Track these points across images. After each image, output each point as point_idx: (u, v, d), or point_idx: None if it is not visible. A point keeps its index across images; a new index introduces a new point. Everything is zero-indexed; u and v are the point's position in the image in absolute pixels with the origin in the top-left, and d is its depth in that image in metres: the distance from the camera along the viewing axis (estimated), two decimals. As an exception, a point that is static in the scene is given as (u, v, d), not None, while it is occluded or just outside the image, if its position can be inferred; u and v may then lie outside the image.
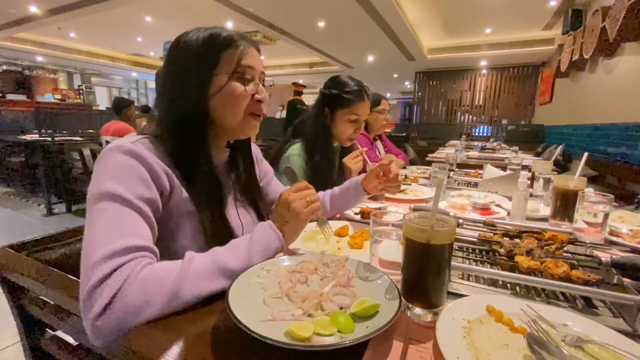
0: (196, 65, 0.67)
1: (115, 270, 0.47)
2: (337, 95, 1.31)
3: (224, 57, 0.67)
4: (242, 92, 0.69)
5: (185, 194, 0.66)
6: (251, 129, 0.74)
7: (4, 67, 9.25)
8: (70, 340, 0.69)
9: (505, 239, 0.75)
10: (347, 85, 1.32)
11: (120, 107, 3.68)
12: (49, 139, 3.87)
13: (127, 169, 0.58)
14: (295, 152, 1.28)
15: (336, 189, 1.01)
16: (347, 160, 1.31)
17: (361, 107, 1.33)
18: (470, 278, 0.64)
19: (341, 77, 1.35)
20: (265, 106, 0.75)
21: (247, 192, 0.84)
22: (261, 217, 0.85)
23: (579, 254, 0.71)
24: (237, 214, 0.79)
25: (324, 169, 1.28)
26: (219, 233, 0.66)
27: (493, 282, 0.62)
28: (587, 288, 0.54)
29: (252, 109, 0.72)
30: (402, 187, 1.45)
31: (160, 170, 0.62)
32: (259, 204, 0.86)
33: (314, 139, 1.30)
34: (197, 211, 0.67)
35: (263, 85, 0.74)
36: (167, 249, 0.57)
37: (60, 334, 0.70)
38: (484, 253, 0.73)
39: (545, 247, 0.69)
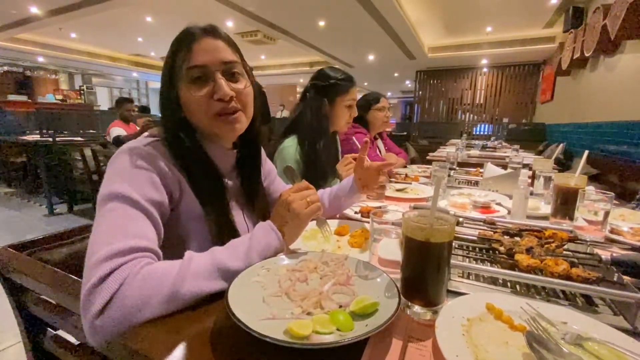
0: (163, 78, 0.68)
1: (115, 270, 0.47)
2: (335, 83, 1.36)
3: (176, 65, 0.65)
4: (193, 98, 0.65)
5: (193, 197, 0.66)
6: (223, 131, 0.70)
7: (5, 68, 9.27)
8: (71, 339, 0.69)
9: (505, 237, 0.74)
10: (338, 72, 1.39)
11: (117, 105, 3.89)
12: (51, 139, 3.88)
13: (137, 171, 0.59)
14: (288, 144, 1.31)
15: (334, 188, 1.01)
16: (339, 167, 1.34)
17: (355, 91, 1.42)
18: (470, 276, 0.64)
19: (328, 69, 1.42)
20: (245, 99, 0.70)
21: (254, 196, 0.82)
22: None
23: (579, 252, 0.71)
24: (243, 218, 0.79)
25: (329, 158, 1.34)
26: (225, 237, 0.65)
27: (493, 281, 0.62)
28: (587, 286, 0.54)
29: (215, 110, 0.67)
30: (402, 186, 1.46)
31: (171, 174, 0.63)
32: (266, 207, 0.86)
33: (317, 131, 1.33)
34: (204, 215, 0.67)
35: (232, 75, 0.68)
36: (178, 252, 0.57)
37: (61, 333, 0.70)
38: (484, 251, 0.73)
39: (545, 246, 0.69)
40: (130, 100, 3.93)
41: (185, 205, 0.66)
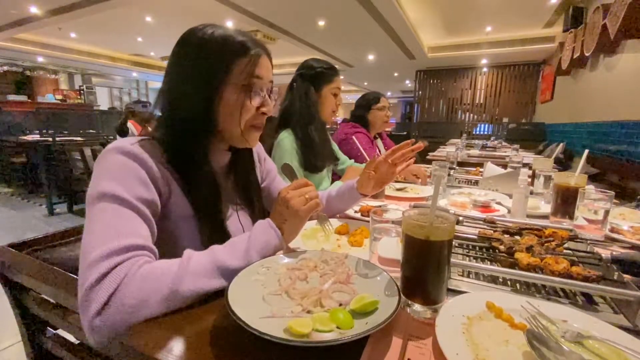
0: (206, 70, 0.65)
1: (112, 269, 0.47)
2: (321, 72, 1.41)
3: (235, 66, 0.65)
4: (248, 106, 0.68)
5: (183, 197, 0.65)
6: (251, 141, 0.74)
7: (5, 68, 9.25)
8: (71, 338, 0.69)
9: (506, 236, 0.74)
10: (322, 63, 1.44)
11: (135, 104, 3.94)
12: (50, 139, 3.89)
13: (125, 170, 0.58)
14: (284, 137, 1.33)
15: (332, 191, 1.00)
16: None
17: (339, 80, 1.49)
18: (470, 275, 0.64)
19: (312, 60, 1.45)
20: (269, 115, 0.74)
21: (248, 196, 0.82)
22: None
23: (579, 251, 0.71)
24: (237, 218, 0.78)
25: (324, 143, 1.40)
26: (216, 238, 0.64)
27: (493, 279, 0.62)
28: (587, 284, 0.54)
29: (254, 121, 0.70)
30: (402, 185, 1.45)
31: (159, 173, 0.62)
32: (261, 207, 0.86)
33: (309, 116, 1.37)
34: (195, 215, 0.67)
35: (270, 95, 0.73)
36: (168, 251, 0.57)
37: (61, 332, 0.70)
38: (484, 250, 0.73)
39: (546, 244, 0.69)
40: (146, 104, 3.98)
41: (173, 204, 0.65)
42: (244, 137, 0.71)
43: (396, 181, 1.57)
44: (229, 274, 0.53)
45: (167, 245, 0.64)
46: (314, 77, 1.41)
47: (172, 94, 0.68)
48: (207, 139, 0.70)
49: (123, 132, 3.67)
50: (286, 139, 1.33)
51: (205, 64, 0.65)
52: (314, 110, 1.41)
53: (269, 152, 1.35)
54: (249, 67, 0.66)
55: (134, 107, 3.79)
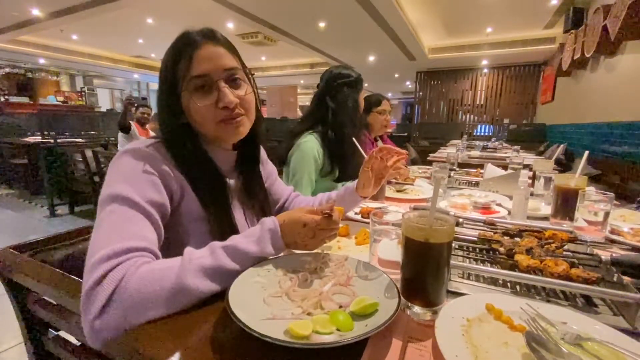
0: (163, 85, 0.68)
1: (110, 271, 0.47)
2: (359, 79, 1.43)
3: (178, 75, 0.65)
4: (200, 108, 0.65)
5: (195, 198, 0.66)
6: (228, 135, 0.70)
7: (7, 70, 9.29)
8: (72, 340, 0.69)
9: (506, 237, 0.75)
10: (353, 70, 1.45)
11: (136, 108, 3.81)
12: (52, 140, 3.90)
13: (139, 173, 0.59)
14: (307, 140, 1.32)
15: (333, 194, 1.01)
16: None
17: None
18: (470, 277, 0.64)
19: (342, 68, 1.43)
20: (247, 105, 0.70)
21: (254, 195, 0.83)
22: None
23: (579, 253, 0.71)
24: (244, 217, 0.79)
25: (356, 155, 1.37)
26: (226, 236, 0.62)
27: (493, 281, 0.62)
28: (586, 286, 0.54)
29: (218, 118, 0.67)
30: (403, 186, 1.46)
31: (172, 175, 0.63)
32: (266, 207, 0.86)
33: (351, 125, 1.38)
34: (205, 216, 0.67)
35: (234, 81, 0.68)
36: (176, 253, 0.56)
37: (63, 334, 0.71)
38: (484, 252, 0.73)
39: (545, 246, 0.69)
40: (145, 105, 3.90)
41: (186, 206, 0.66)
42: (218, 134, 0.69)
43: (396, 182, 1.57)
44: (230, 275, 0.53)
45: (176, 248, 0.64)
46: (352, 84, 1.41)
47: (158, 100, 0.70)
48: (195, 139, 0.70)
49: (125, 127, 3.63)
50: (309, 143, 1.32)
51: (164, 71, 0.67)
52: (356, 118, 1.41)
53: (287, 151, 1.36)
54: (184, 71, 0.65)
55: (133, 99, 3.77)
